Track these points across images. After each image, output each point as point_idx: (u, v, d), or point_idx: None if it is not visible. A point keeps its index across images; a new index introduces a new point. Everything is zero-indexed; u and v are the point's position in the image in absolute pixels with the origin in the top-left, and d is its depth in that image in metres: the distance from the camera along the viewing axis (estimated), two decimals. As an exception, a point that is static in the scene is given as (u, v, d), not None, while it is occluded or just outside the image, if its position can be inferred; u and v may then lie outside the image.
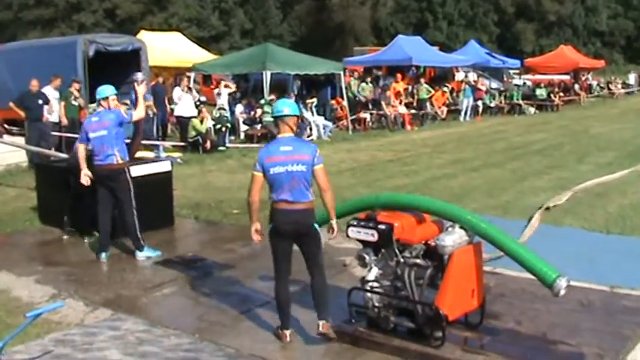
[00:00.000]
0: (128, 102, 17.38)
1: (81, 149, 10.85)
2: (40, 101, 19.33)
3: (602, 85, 57.41)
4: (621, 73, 71.57)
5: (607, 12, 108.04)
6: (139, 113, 11.08)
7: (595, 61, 62.05)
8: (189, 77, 27.35)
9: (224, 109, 25.65)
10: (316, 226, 7.46)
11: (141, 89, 11.61)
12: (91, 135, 10.63)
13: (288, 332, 7.54)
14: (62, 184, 12.16)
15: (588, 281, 9.04)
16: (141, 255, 10.81)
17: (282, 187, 7.25)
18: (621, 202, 14.17)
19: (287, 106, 7.50)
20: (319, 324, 7.33)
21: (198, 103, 24.77)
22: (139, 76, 11.96)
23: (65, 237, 12.10)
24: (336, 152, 22.65)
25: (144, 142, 18.40)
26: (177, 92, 25.63)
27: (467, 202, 13.61)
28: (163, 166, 12.90)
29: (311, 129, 25.98)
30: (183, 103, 24.34)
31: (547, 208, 13.16)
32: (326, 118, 27.87)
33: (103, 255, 10.81)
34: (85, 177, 10.72)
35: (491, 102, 37.85)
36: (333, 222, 7.46)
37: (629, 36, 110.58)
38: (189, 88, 25.98)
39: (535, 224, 11.94)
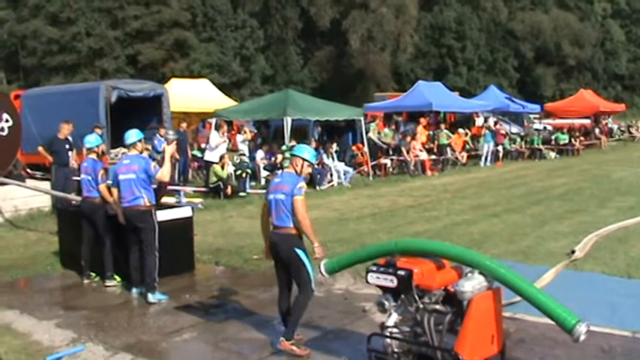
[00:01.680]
0: (150, 147, 17.50)
1: (113, 191, 11.41)
2: (67, 146, 19.46)
3: (622, 128, 57.46)
4: (642, 117, 71.46)
5: (626, 55, 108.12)
6: (164, 173, 11.19)
7: (615, 105, 61.95)
8: (227, 124, 27.42)
9: (244, 155, 25.78)
10: (298, 251, 8.23)
11: (169, 149, 11.71)
12: (121, 177, 11.02)
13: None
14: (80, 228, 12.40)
15: (609, 327, 8.99)
16: (152, 298, 10.91)
17: (271, 213, 8.42)
18: (643, 246, 14.08)
19: (307, 150, 8.51)
20: (280, 340, 8.27)
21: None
22: (170, 135, 12.07)
23: (86, 281, 12.18)
24: (357, 198, 22.68)
25: (165, 187, 18.58)
26: (215, 138, 25.53)
27: (487, 248, 13.61)
28: (184, 212, 12.97)
29: (332, 175, 26.05)
30: (218, 150, 24.49)
31: (572, 252, 13.09)
32: (347, 164, 27.94)
33: (134, 290, 11.22)
34: (121, 216, 11.20)
35: (510, 146, 37.83)
36: (315, 245, 8.20)
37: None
38: (228, 137, 26.14)
39: (555, 270, 11.88)
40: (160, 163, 12.24)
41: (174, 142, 12.05)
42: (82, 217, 12.42)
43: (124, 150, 16.15)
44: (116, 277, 12.04)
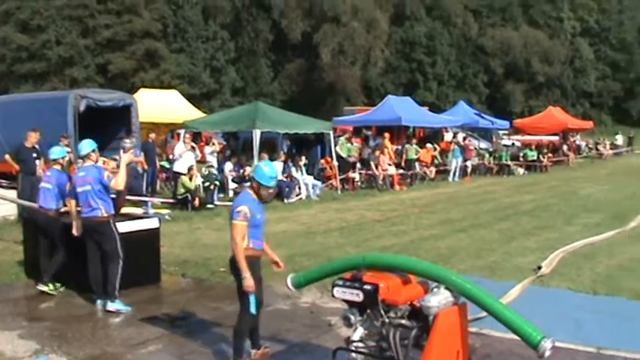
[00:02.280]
0: (117, 157, 17.39)
1: (71, 203, 11.32)
2: (35, 155, 19.28)
3: (590, 145, 57.99)
4: (609, 134, 72.26)
5: (595, 73, 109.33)
6: (118, 182, 10.99)
7: (583, 122, 62.65)
8: (192, 134, 27.33)
9: (213, 167, 25.72)
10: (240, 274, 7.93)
11: (125, 157, 11.66)
12: (78, 189, 11.00)
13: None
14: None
15: (575, 342, 9.06)
16: (111, 306, 10.85)
17: None
18: (608, 262, 14.21)
19: (265, 173, 8.22)
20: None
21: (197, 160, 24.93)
22: (127, 144, 11.98)
23: (41, 289, 12.02)
24: (325, 211, 22.69)
25: (132, 198, 18.48)
26: (179, 148, 25.51)
27: (454, 263, 13.67)
28: (151, 223, 12.90)
29: (300, 188, 26.03)
30: (184, 160, 24.39)
31: (539, 268, 13.17)
32: (315, 178, 27.94)
33: (98, 302, 11.04)
34: (75, 229, 11.18)
35: (474, 161, 37.94)
36: (244, 276, 7.90)
37: (617, 97, 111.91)
38: (193, 147, 26.01)
39: (522, 286, 11.93)
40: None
41: (131, 151, 11.97)
42: (37, 229, 12.42)
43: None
44: (53, 284, 11.92)
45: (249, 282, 7.87)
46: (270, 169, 8.22)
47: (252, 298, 8.00)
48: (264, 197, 8.17)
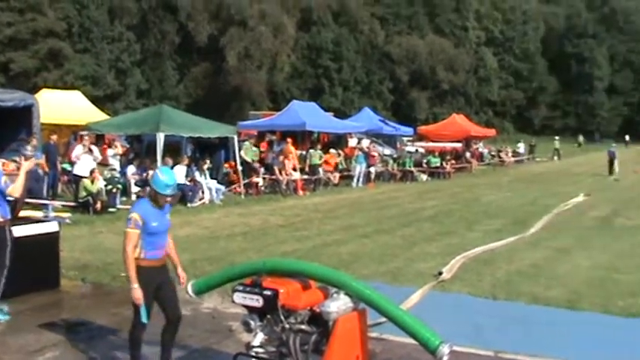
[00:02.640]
0: (17, 159, 17.01)
1: None
2: None
3: (493, 153, 59.04)
4: (512, 142, 73.76)
5: (498, 82, 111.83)
6: (15, 188, 10.60)
7: (486, 130, 63.87)
8: (93, 136, 26.92)
9: (115, 170, 25.40)
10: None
11: (26, 165, 11.25)
12: None
13: None
14: None
15: (473, 347, 9.19)
16: None
17: None
18: (508, 268, 14.45)
19: (161, 181, 7.90)
20: None
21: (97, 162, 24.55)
22: (28, 151, 11.64)
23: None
24: (228, 216, 22.60)
25: (33, 201, 18.10)
26: (77, 150, 25.12)
27: (357, 268, 13.73)
28: (50, 227, 12.62)
29: (203, 192, 25.88)
30: (83, 163, 24.00)
31: (440, 273, 13.33)
32: (219, 182, 27.80)
33: None
34: None
35: (378, 167, 38.15)
36: (131, 287, 7.73)
37: (520, 106, 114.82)
38: (91, 149, 25.59)
39: (423, 291, 12.05)
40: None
41: (32, 160, 11.65)
42: None
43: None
44: None
45: (135, 293, 7.67)
46: (167, 177, 7.91)
47: (142, 308, 7.80)
48: (162, 204, 7.90)
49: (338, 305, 7.08)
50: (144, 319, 7.85)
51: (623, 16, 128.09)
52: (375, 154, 38.60)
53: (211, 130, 28.27)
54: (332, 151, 35.07)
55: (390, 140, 47.06)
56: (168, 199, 7.98)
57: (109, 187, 23.73)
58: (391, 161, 40.22)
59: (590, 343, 9.67)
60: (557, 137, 74.61)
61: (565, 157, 68.75)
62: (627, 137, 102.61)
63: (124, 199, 24.82)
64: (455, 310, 11.15)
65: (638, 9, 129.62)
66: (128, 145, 32.80)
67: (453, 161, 45.16)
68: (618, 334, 10.13)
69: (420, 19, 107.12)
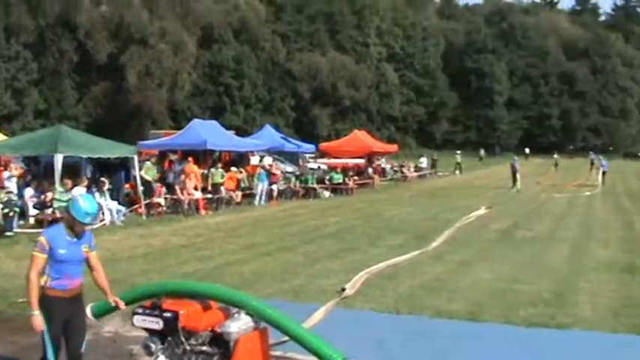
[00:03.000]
0: None
1: None
2: None
3: (395, 168, 59.56)
4: (414, 157, 74.59)
5: (400, 98, 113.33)
6: None
7: (388, 146, 64.47)
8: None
9: (12, 193, 24.85)
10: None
11: None
12: None
13: None
14: None
15: (376, 362, 9.22)
16: None
17: None
18: (411, 282, 14.59)
19: (82, 208, 7.52)
20: None
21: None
22: None
23: None
24: (129, 237, 22.28)
25: None
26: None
27: (259, 287, 13.70)
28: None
29: (104, 213, 25.50)
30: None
31: (343, 290, 13.36)
32: (120, 203, 27.44)
33: None
34: None
35: (281, 187, 38.07)
36: (31, 314, 7.43)
37: (421, 121, 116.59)
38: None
39: (326, 308, 12.06)
40: None
41: None
42: None
43: None
44: None
45: (35, 320, 7.34)
46: (88, 205, 7.53)
47: (47, 343, 7.41)
48: (78, 232, 7.52)
49: (239, 325, 7.09)
50: (50, 357, 7.45)
51: (521, 32, 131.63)
52: (277, 171, 38.58)
53: (111, 150, 27.89)
54: (233, 169, 34.92)
55: (292, 157, 47.11)
56: (87, 228, 7.68)
57: (6, 210, 23.18)
58: (293, 178, 40.24)
59: (492, 354, 9.85)
60: (458, 151, 75.81)
61: (467, 170, 69.91)
62: (527, 150, 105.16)
63: (22, 222, 24.26)
64: (358, 326, 11.19)
65: (535, 24, 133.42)
66: (25, 167, 32.12)
67: (356, 177, 45.44)
68: (520, 344, 10.34)
69: (321, 35, 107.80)
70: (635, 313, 11.97)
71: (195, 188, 30.49)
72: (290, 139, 48.76)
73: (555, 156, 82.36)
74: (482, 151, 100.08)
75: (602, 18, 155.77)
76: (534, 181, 53.20)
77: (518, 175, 46.49)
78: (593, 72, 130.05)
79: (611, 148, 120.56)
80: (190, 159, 32.36)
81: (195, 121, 39.37)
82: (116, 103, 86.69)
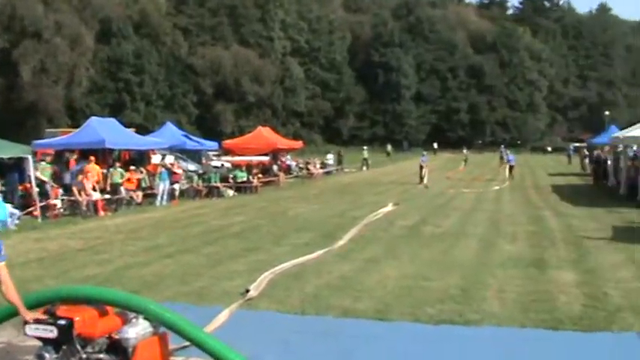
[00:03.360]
0: None
1: None
2: None
3: (301, 165, 59.68)
4: (320, 154, 74.92)
5: (305, 93, 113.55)
6: None
7: (293, 142, 64.53)
8: None
9: None
10: None
11: None
12: None
13: None
14: None
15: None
16: None
17: None
18: (317, 282, 14.62)
19: None
20: None
21: None
22: None
23: None
24: (23, 242, 21.80)
25: None
26: None
27: (160, 291, 13.60)
28: None
29: (-4, 217, 25.00)
30: None
31: (247, 291, 13.34)
32: (14, 206, 26.89)
33: None
34: None
35: (183, 186, 37.84)
36: None
37: (327, 116, 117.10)
38: None
39: (229, 311, 12.03)
40: None
41: None
42: None
43: None
44: None
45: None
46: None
47: None
48: None
49: (137, 331, 7.03)
50: None
51: (428, 25, 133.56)
52: (179, 170, 38.31)
53: (4, 150, 27.32)
54: (132, 168, 34.52)
55: (194, 155, 46.82)
56: None
57: None
58: (196, 177, 40.01)
59: (400, 353, 9.94)
60: (365, 147, 76.52)
61: (374, 166, 70.57)
62: (436, 145, 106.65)
63: None
64: (263, 327, 11.18)
65: (443, 18, 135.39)
66: None
67: (260, 175, 45.38)
68: (428, 341, 10.45)
69: (224, 29, 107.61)
70: (543, 308, 12.20)
71: (94, 189, 30.07)
72: (192, 137, 48.57)
73: (465, 151, 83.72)
74: (389, 147, 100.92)
75: (510, 11, 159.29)
76: (443, 176, 53.85)
77: (425, 171, 47.01)
78: (502, 65, 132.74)
79: (519, 142, 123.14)
80: (92, 158, 31.92)
81: (93, 118, 38.74)
82: (9, 100, 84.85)
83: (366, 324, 11.42)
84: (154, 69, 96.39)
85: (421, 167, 47.61)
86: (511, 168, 54.12)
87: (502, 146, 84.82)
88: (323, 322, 11.58)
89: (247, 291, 13.41)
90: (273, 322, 11.53)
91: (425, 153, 52.30)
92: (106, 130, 34.99)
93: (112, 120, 41.05)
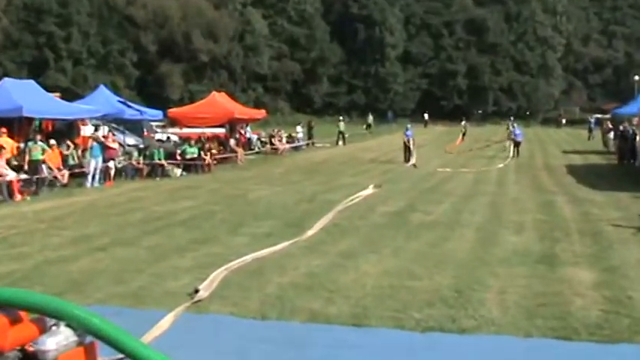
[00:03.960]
0: None
1: None
2: None
3: (263, 139, 59.64)
4: (288, 125, 74.90)
5: (270, 52, 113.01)
6: None
7: (255, 111, 64.35)
8: None
9: None
10: None
11: None
12: None
13: None
14: None
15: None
16: None
17: None
18: (280, 280, 14.61)
19: None
20: None
21: None
22: None
23: None
24: None
25: None
26: None
27: (89, 291, 13.57)
28: None
29: None
30: None
31: (196, 291, 13.32)
32: None
33: None
34: None
35: (120, 163, 37.72)
36: None
37: (296, 80, 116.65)
38: None
39: (175, 314, 12.00)
40: None
41: None
42: None
43: None
44: None
45: None
46: None
47: None
48: None
49: (57, 341, 6.96)
50: None
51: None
52: (115, 144, 38.13)
53: None
54: (54, 142, 34.23)
55: (134, 127, 46.65)
56: None
57: None
58: (136, 153, 39.93)
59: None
60: (341, 118, 76.56)
61: (352, 141, 70.75)
62: (426, 116, 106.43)
63: None
64: (215, 335, 11.17)
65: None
66: None
67: (215, 151, 45.36)
68: (413, 352, 10.49)
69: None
70: (553, 314, 12.20)
71: (9, 167, 29.86)
72: (131, 104, 48.31)
73: (463, 122, 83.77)
74: (370, 118, 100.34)
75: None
76: (435, 153, 53.97)
77: (413, 147, 47.02)
78: (508, 19, 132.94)
79: (528, 113, 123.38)
80: (4, 130, 31.66)
81: (7, 80, 38.40)
82: None
83: (340, 331, 11.43)
84: (84, 20, 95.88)
85: (405, 145, 47.57)
86: (517, 144, 54.14)
87: (511, 117, 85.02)
88: (287, 328, 11.58)
89: (196, 291, 13.40)
90: (227, 329, 11.53)
91: (409, 126, 52.19)
92: (23, 95, 34.66)
93: (31, 82, 40.79)
